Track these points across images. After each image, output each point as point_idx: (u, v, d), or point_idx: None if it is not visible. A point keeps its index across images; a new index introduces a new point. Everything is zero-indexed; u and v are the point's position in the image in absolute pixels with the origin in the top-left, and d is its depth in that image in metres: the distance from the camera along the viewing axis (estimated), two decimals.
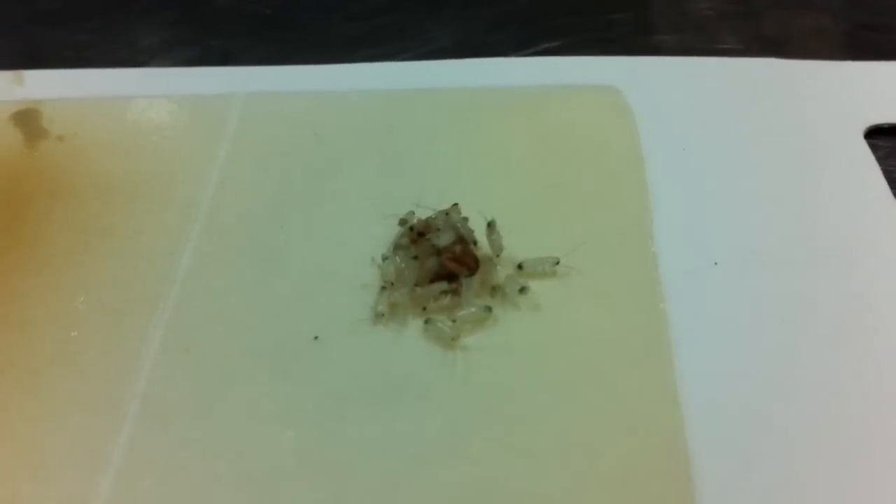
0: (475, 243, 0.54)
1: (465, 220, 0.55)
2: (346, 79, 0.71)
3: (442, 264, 0.53)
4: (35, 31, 0.81)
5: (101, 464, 0.46)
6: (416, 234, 0.54)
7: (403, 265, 0.54)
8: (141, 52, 0.77)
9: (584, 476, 0.45)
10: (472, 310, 0.51)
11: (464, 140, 0.65)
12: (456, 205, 0.56)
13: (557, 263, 0.54)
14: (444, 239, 0.53)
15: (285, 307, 0.53)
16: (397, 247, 0.55)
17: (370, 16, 0.81)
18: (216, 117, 0.67)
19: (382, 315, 0.52)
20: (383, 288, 0.53)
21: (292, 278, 0.55)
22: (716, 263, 0.55)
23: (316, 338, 0.51)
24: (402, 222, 0.56)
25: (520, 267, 0.54)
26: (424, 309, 0.52)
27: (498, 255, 0.55)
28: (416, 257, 0.53)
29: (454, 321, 0.51)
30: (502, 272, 0.54)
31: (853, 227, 0.57)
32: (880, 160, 0.61)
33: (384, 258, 0.55)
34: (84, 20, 0.81)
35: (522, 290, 0.52)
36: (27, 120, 0.67)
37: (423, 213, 0.56)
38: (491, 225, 0.55)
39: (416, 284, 0.53)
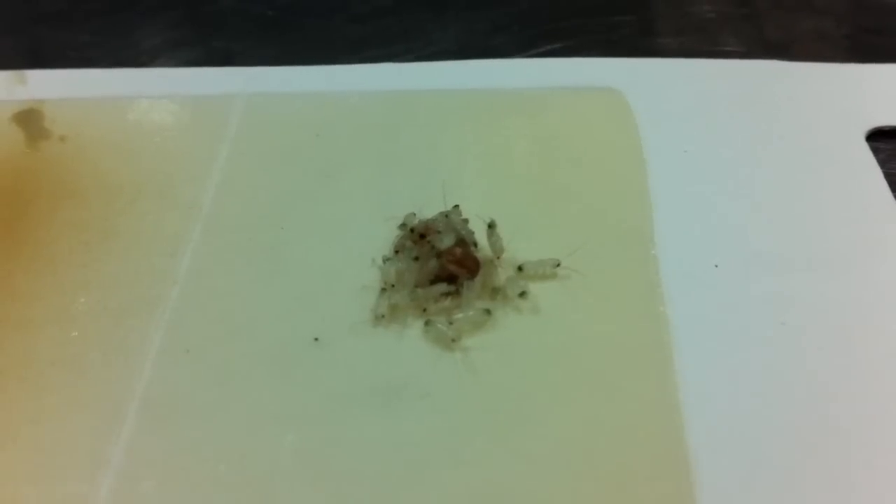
0: (476, 245, 0.54)
1: (466, 221, 0.55)
2: (348, 80, 0.71)
3: (442, 266, 0.53)
4: (38, 31, 0.81)
5: (101, 465, 0.46)
6: (417, 236, 0.54)
7: (404, 267, 0.54)
8: (143, 53, 0.77)
9: (583, 479, 0.45)
10: (471, 313, 0.51)
11: (465, 141, 0.65)
12: (457, 206, 0.56)
13: (558, 266, 0.54)
14: (445, 241, 0.53)
15: (286, 308, 0.53)
16: (398, 248, 0.55)
17: (373, 17, 0.81)
18: (218, 118, 0.67)
19: (383, 317, 0.52)
20: (383, 289, 0.53)
21: (293, 279, 0.55)
22: (716, 266, 0.55)
23: (316, 339, 0.51)
24: (403, 224, 0.56)
25: (520, 269, 0.54)
26: (425, 311, 0.52)
27: (499, 257, 0.55)
28: (416, 258, 0.53)
29: (452, 323, 0.51)
30: (503, 274, 0.54)
31: (854, 230, 0.57)
32: (882, 163, 0.61)
33: (385, 260, 0.55)
34: (87, 20, 0.82)
35: (522, 294, 0.52)
36: (29, 120, 0.67)
37: (424, 215, 0.56)
38: (491, 226, 0.55)
39: (416, 286, 0.53)
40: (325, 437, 0.47)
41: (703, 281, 0.54)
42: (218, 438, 0.47)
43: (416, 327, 0.52)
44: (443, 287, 0.53)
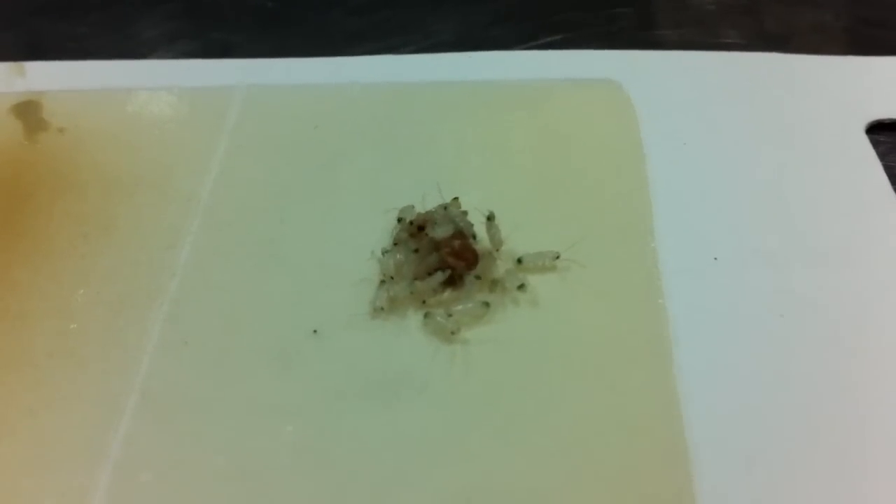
0: (475, 237, 0.54)
1: (465, 213, 0.55)
2: (347, 72, 0.71)
3: (441, 259, 0.52)
4: (37, 23, 0.81)
5: (99, 457, 0.46)
6: (416, 229, 0.54)
7: (403, 259, 0.54)
8: (142, 45, 0.77)
9: (581, 472, 0.45)
10: (470, 305, 0.51)
11: (465, 134, 0.65)
12: (455, 199, 0.56)
13: (557, 258, 0.54)
14: (443, 233, 0.53)
15: (284, 301, 0.53)
16: (397, 241, 0.55)
17: (372, 9, 0.81)
18: (217, 110, 0.67)
19: (381, 309, 0.52)
20: (382, 282, 0.53)
21: (292, 272, 0.55)
22: (715, 259, 0.55)
23: (315, 331, 0.51)
24: (401, 216, 0.56)
25: (519, 261, 0.54)
26: (424, 303, 0.52)
27: (497, 250, 0.55)
28: (416, 251, 0.53)
29: (451, 316, 0.51)
30: (502, 266, 0.54)
31: (853, 223, 0.57)
32: (881, 155, 0.61)
33: (384, 252, 0.55)
34: (86, 12, 0.81)
35: (521, 287, 0.52)
36: (28, 112, 0.67)
37: (423, 207, 0.56)
38: (490, 218, 0.54)
39: (415, 278, 0.53)
40: (324, 430, 0.47)
41: (702, 274, 0.54)
42: (216, 430, 0.47)
43: (415, 320, 0.52)
44: (440, 276, 0.52)
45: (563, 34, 0.76)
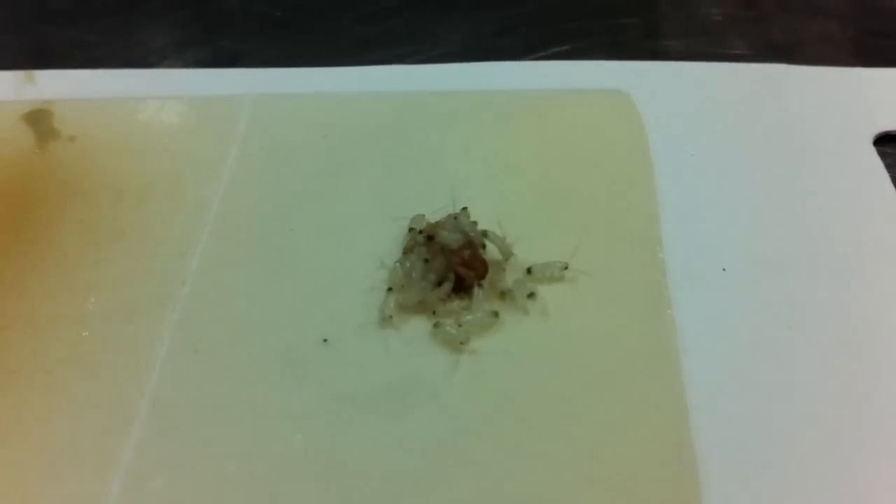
0: (484, 247, 0.54)
1: (475, 223, 0.55)
2: (356, 81, 0.72)
3: (451, 269, 0.53)
4: (46, 31, 0.82)
5: (110, 464, 0.46)
6: (425, 238, 0.54)
7: (412, 268, 0.54)
8: (152, 53, 0.78)
9: (590, 481, 0.45)
10: (479, 315, 0.52)
11: (473, 143, 0.65)
12: (465, 209, 0.56)
13: (566, 268, 0.54)
14: (453, 243, 0.53)
15: (294, 309, 0.54)
16: (406, 250, 0.55)
17: (380, 18, 0.81)
18: (226, 118, 0.67)
19: (390, 317, 0.52)
20: (390, 289, 0.53)
21: (301, 280, 0.55)
22: (724, 269, 0.55)
23: (325, 340, 0.52)
24: (412, 226, 0.56)
25: (528, 271, 0.54)
26: (434, 313, 0.52)
27: (507, 260, 0.55)
28: (426, 261, 0.53)
29: (461, 325, 0.51)
30: (511, 276, 0.54)
31: (861, 234, 0.57)
32: (889, 167, 0.61)
33: (396, 262, 0.55)
34: (95, 20, 0.82)
35: (531, 295, 0.53)
36: (38, 120, 0.67)
37: (432, 217, 0.56)
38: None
39: (424, 288, 0.53)
40: (334, 437, 0.47)
41: (711, 284, 0.54)
42: (227, 437, 0.47)
43: (424, 328, 0.52)
44: (447, 286, 0.53)
45: (571, 44, 0.76)
